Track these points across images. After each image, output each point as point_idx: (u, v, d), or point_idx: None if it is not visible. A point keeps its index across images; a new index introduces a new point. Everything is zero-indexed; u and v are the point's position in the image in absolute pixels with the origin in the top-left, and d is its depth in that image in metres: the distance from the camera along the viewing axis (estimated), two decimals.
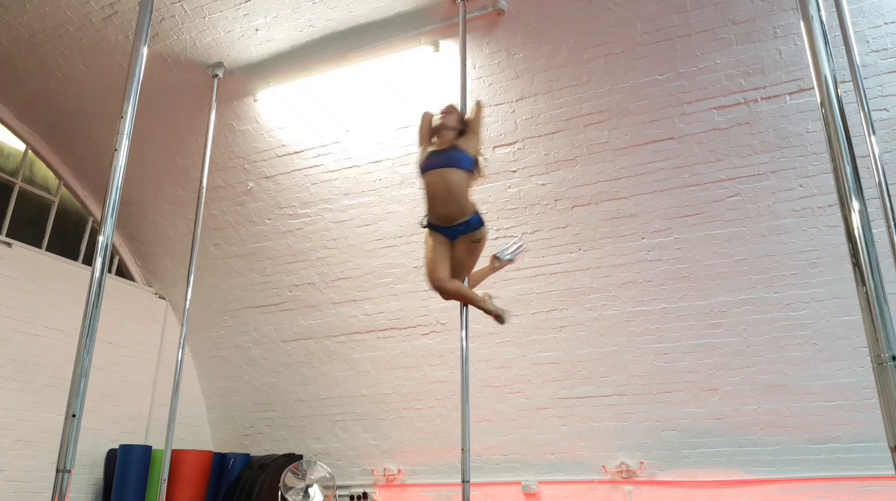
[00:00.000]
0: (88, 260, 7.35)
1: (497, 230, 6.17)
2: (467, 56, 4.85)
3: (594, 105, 5.55)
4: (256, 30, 5.64)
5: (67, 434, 2.43)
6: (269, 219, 7.07)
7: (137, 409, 7.50)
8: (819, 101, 2.21)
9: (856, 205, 2.05)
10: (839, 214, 2.09)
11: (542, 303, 6.28)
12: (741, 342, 5.68)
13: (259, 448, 7.79)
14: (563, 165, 5.85)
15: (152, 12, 3.18)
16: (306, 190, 6.76)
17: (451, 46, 5.49)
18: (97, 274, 2.64)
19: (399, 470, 7.11)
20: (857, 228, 2.03)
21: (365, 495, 7.13)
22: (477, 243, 3.75)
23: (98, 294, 2.63)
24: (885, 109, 4.91)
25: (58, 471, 2.38)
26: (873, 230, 2.04)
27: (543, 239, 6.12)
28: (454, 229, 3.74)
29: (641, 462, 6.04)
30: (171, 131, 6.72)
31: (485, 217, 3.84)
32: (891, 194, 3.23)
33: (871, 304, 1.95)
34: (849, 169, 2.09)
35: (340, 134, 6.36)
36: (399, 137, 6.15)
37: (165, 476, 5.30)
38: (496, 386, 6.57)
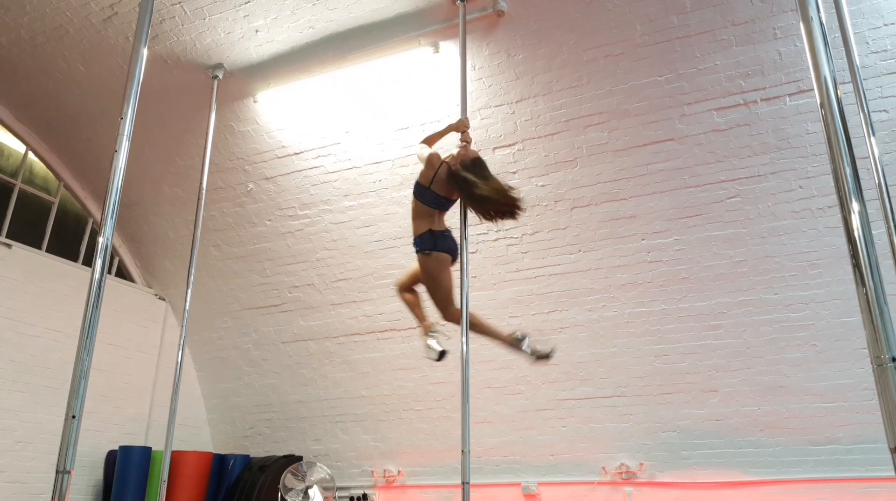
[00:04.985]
0: (88, 261, 7.35)
1: (497, 231, 6.17)
2: (467, 57, 4.85)
3: (594, 106, 5.55)
4: (256, 31, 5.64)
5: (67, 435, 2.43)
6: (269, 220, 7.07)
7: (137, 410, 7.50)
8: (819, 102, 2.20)
9: (855, 206, 2.05)
10: (839, 215, 2.09)
11: (542, 304, 6.28)
12: (741, 343, 5.68)
13: (259, 450, 7.78)
14: (563, 167, 5.85)
15: (152, 13, 3.18)
16: (306, 191, 6.76)
17: (450, 48, 5.49)
18: (97, 275, 2.64)
19: (399, 472, 7.11)
20: (857, 229, 2.02)
21: (365, 496, 7.12)
22: (420, 262, 4.02)
23: (98, 295, 2.63)
24: (884, 110, 4.91)
25: (57, 472, 2.38)
26: (873, 231, 2.04)
27: (543, 240, 6.12)
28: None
29: (641, 464, 6.04)
30: (170, 133, 6.73)
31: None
32: (890, 195, 3.24)
33: (871, 305, 1.94)
34: (848, 170, 2.08)
35: (340, 135, 6.36)
36: (399, 139, 6.15)
37: (165, 477, 5.30)
38: (496, 388, 6.57)
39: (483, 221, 3.97)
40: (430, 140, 4.24)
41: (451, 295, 4.04)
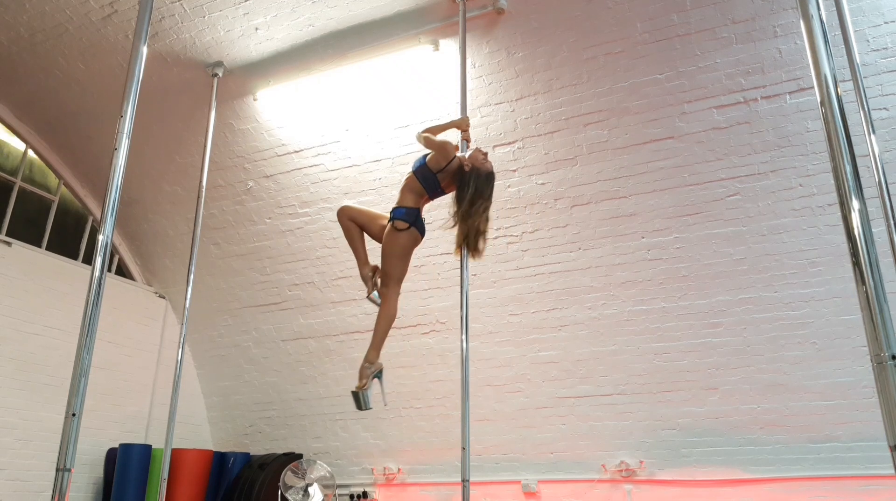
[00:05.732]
0: (88, 259, 7.35)
1: (497, 230, 6.16)
2: (467, 55, 4.85)
3: (594, 104, 5.55)
4: (256, 29, 5.64)
5: (67, 433, 2.43)
6: (269, 218, 7.07)
7: (137, 408, 7.50)
8: (819, 100, 2.21)
9: (856, 204, 2.05)
10: (839, 213, 2.09)
11: (542, 302, 6.28)
12: (741, 341, 5.68)
13: (259, 447, 7.79)
14: (563, 165, 5.85)
15: (152, 11, 3.18)
16: (306, 189, 6.76)
17: (450, 46, 5.49)
18: (97, 273, 2.64)
19: (399, 469, 7.11)
20: (857, 227, 2.03)
21: (365, 494, 7.13)
22: (391, 230, 3.86)
23: (98, 293, 2.63)
24: (884, 108, 4.91)
25: (58, 470, 2.38)
26: (873, 230, 2.05)
27: (543, 238, 6.12)
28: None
29: (641, 461, 6.04)
30: (170, 131, 6.72)
31: None
32: (891, 193, 3.23)
33: (871, 303, 1.95)
34: (849, 168, 2.09)
35: (340, 133, 6.36)
36: (399, 137, 6.15)
37: (165, 475, 5.31)
38: (496, 385, 6.57)
39: (454, 228, 3.93)
40: (432, 131, 4.15)
41: (403, 280, 3.95)
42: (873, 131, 3.40)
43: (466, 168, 3.86)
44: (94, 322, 2.59)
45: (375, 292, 3.97)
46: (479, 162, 3.90)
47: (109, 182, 2.79)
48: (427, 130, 4.16)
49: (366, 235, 4.08)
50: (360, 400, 3.76)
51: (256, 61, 5.94)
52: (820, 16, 2.27)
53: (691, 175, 5.54)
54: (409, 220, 3.84)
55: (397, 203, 3.93)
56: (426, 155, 3.97)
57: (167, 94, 6.29)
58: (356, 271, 6.77)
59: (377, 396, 3.82)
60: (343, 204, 4.22)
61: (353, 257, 6.79)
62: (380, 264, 3.94)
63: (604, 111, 5.55)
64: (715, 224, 5.59)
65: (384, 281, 3.91)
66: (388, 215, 3.93)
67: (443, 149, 3.92)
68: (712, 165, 5.45)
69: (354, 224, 4.07)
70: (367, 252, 4.04)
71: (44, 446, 6.34)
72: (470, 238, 3.87)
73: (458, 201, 3.88)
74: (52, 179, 7.46)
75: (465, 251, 4.00)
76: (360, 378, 3.81)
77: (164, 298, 8.11)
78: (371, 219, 4.07)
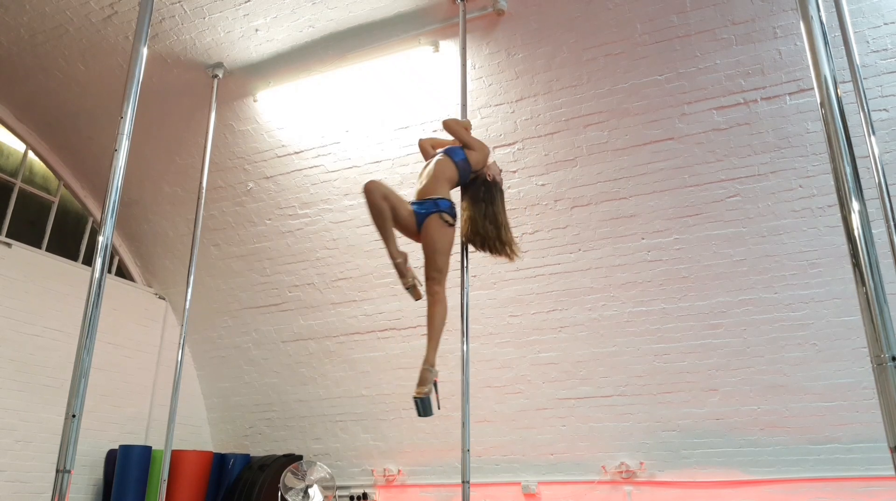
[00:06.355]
0: (88, 260, 7.35)
1: None
2: (467, 56, 4.85)
3: (594, 105, 5.55)
4: (256, 30, 5.64)
5: (67, 435, 2.43)
6: (269, 219, 7.07)
7: (137, 409, 7.50)
8: (819, 101, 2.20)
9: (856, 205, 2.05)
10: (839, 214, 2.09)
11: (542, 303, 6.28)
12: (741, 342, 5.68)
13: (259, 449, 7.79)
14: (563, 166, 5.85)
15: (152, 12, 3.18)
16: (306, 190, 6.76)
17: (450, 47, 5.49)
18: (97, 274, 2.64)
19: (399, 471, 7.11)
20: (857, 228, 2.02)
21: (365, 495, 7.13)
22: (442, 224, 3.67)
23: (98, 295, 2.63)
24: (884, 109, 4.91)
25: (58, 471, 2.38)
26: (873, 230, 2.04)
27: (543, 239, 6.12)
28: (422, 205, 3.74)
29: (641, 463, 6.04)
30: (170, 132, 6.72)
31: None
32: (890, 194, 3.23)
33: (871, 304, 1.94)
34: (849, 169, 2.08)
35: (340, 134, 6.36)
36: (399, 138, 6.15)
37: (165, 476, 5.30)
38: (496, 387, 6.57)
39: (469, 241, 3.92)
40: (459, 125, 4.07)
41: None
42: (873, 133, 3.40)
43: (489, 178, 3.92)
44: (94, 323, 2.59)
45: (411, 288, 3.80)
46: (498, 175, 3.98)
47: (109, 183, 2.79)
48: (456, 122, 4.10)
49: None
50: (423, 406, 3.56)
51: (256, 62, 5.94)
52: (820, 17, 2.27)
53: (691, 176, 5.54)
54: (454, 214, 3.74)
55: (435, 193, 3.71)
56: (461, 148, 3.93)
57: (167, 95, 6.29)
58: (356, 273, 6.91)
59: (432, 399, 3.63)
60: (372, 179, 3.78)
61: (352, 259, 6.87)
62: (427, 260, 3.72)
63: (604, 112, 5.55)
64: (715, 225, 5.58)
65: (436, 278, 3.68)
66: (422, 204, 3.74)
67: (484, 151, 3.97)
68: (712, 166, 5.46)
69: (388, 204, 3.66)
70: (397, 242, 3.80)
71: (43, 447, 6.34)
72: (491, 242, 3.88)
73: (488, 207, 3.86)
74: (53, 181, 7.46)
75: (464, 251, 4.01)
76: (423, 384, 3.56)
77: (164, 299, 8.11)
78: (401, 201, 3.73)
